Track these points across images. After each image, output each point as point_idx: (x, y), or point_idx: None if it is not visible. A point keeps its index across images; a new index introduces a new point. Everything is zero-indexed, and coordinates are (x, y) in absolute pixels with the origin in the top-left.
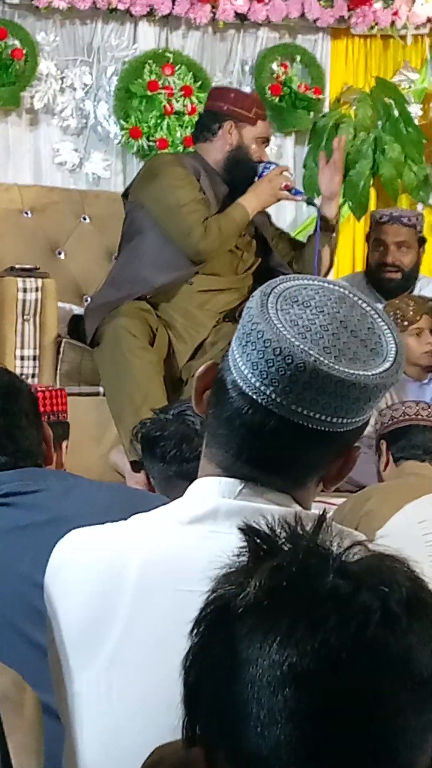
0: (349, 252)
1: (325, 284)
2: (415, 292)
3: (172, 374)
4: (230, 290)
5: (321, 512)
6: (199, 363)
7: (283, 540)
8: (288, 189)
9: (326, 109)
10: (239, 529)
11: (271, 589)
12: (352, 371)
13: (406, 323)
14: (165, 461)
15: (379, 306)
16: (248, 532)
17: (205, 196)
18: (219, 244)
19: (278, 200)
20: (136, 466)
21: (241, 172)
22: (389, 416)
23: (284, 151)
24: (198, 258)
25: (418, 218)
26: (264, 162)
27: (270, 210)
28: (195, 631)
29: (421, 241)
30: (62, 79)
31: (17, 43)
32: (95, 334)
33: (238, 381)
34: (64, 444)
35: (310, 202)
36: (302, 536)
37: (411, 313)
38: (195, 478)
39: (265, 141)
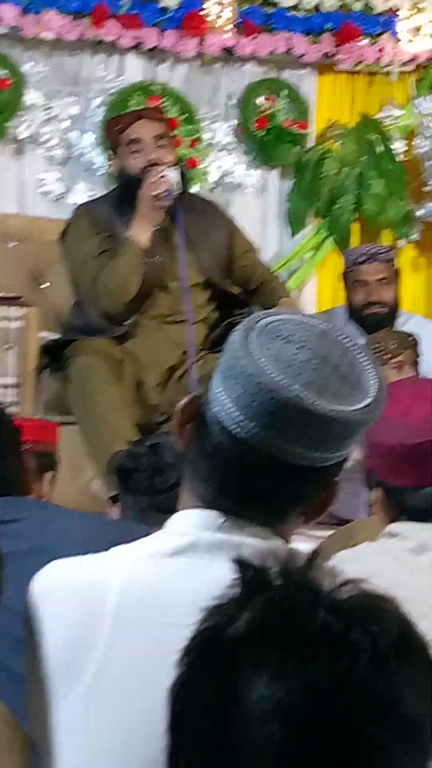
0: (332, 286)
1: (308, 319)
2: (396, 328)
3: (143, 400)
4: (196, 323)
5: (313, 549)
6: (170, 391)
7: (275, 574)
8: (162, 196)
9: (311, 144)
10: (232, 561)
11: (262, 623)
12: (333, 407)
13: (387, 356)
14: (138, 493)
15: (362, 341)
16: (241, 564)
17: (106, 241)
18: (116, 293)
19: (162, 208)
20: (113, 500)
21: (133, 194)
22: None
23: (269, 185)
24: (108, 316)
25: (391, 252)
26: (149, 166)
27: (254, 243)
28: (184, 661)
29: (397, 273)
30: (48, 109)
31: (4, 72)
32: (65, 364)
33: (220, 414)
34: (48, 475)
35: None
36: (294, 571)
37: (393, 346)
38: (168, 510)
39: (136, 143)
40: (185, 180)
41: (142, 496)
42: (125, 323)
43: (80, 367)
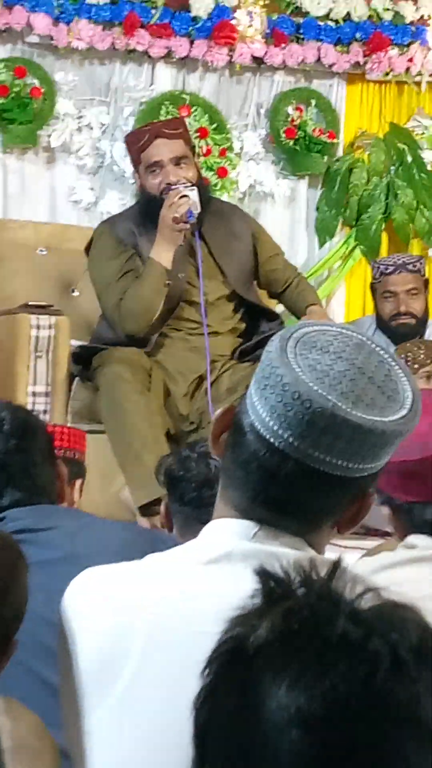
0: (360, 296)
1: (344, 330)
2: (425, 337)
3: (172, 411)
4: (223, 334)
5: (336, 558)
6: (199, 401)
7: (297, 584)
8: (183, 219)
9: (340, 153)
10: (254, 571)
11: (282, 632)
12: (369, 417)
13: (416, 366)
14: (184, 502)
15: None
16: (263, 574)
17: (129, 261)
18: (139, 316)
19: (182, 231)
20: (143, 510)
21: (154, 213)
22: None
23: (297, 194)
24: (131, 337)
25: (420, 262)
26: (168, 186)
27: (282, 250)
28: (207, 671)
29: (426, 283)
30: (80, 118)
31: (36, 81)
32: (92, 376)
33: (256, 424)
34: (78, 482)
35: (191, 221)
36: (316, 581)
37: (422, 356)
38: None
39: (155, 165)
40: (203, 197)
41: (188, 505)
42: (150, 339)
43: (109, 377)
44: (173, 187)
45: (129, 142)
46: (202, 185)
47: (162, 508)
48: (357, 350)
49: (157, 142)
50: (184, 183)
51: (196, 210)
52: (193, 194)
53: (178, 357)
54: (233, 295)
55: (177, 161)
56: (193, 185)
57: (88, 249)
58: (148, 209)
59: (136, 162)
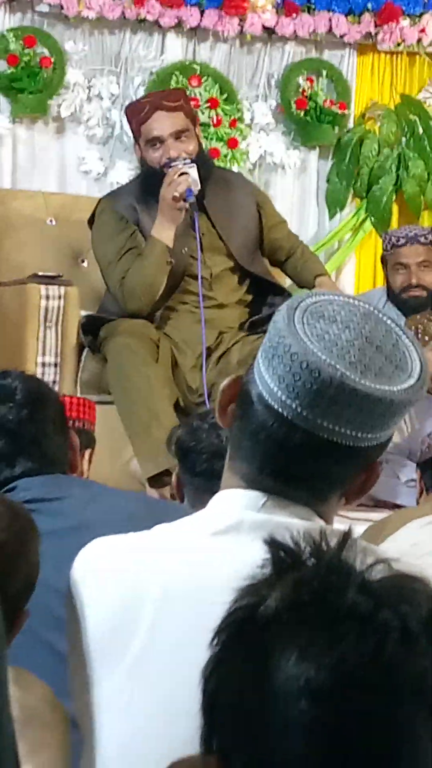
0: (371, 268)
1: (351, 300)
2: None
3: (180, 382)
4: (229, 306)
5: (347, 529)
6: (208, 372)
7: (307, 554)
8: (182, 198)
9: (351, 125)
10: (264, 541)
11: (292, 603)
12: (377, 386)
13: (427, 338)
14: (195, 473)
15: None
16: (272, 544)
17: (131, 238)
18: (142, 295)
19: (181, 209)
20: (152, 482)
21: (155, 188)
22: (427, 444)
23: (308, 165)
24: (135, 315)
25: (431, 234)
26: (169, 161)
27: (293, 224)
28: (216, 641)
29: None
30: (89, 88)
31: (45, 51)
32: (100, 347)
33: (264, 394)
34: (87, 452)
35: (190, 200)
36: (326, 551)
37: None
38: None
39: (155, 140)
40: (204, 171)
41: (199, 477)
42: (155, 314)
43: (117, 348)
44: (172, 164)
45: (129, 114)
46: (203, 158)
47: (173, 478)
48: (364, 320)
49: (156, 116)
50: (184, 159)
51: (196, 187)
52: (193, 171)
53: (184, 329)
54: (237, 267)
55: (177, 135)
56: (192, 162)
57: (90, 222)
58: (149, 183)
59: (136, 134)
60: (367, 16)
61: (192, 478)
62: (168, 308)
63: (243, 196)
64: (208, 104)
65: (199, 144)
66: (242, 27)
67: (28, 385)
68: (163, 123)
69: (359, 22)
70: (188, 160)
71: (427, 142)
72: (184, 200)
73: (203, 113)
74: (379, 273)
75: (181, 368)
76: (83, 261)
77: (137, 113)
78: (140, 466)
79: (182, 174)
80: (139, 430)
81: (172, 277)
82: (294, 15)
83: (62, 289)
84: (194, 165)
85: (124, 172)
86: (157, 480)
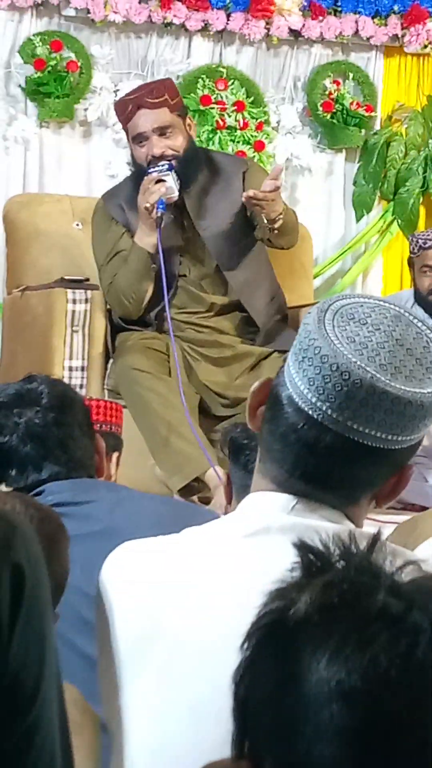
0: (398, 270)
1: (381, 302)
2: None
3: (197, 383)
4: (221, 309)
5: (376, 531)
6: (222, 375)
7: (337, 557)
8: (152, 209)
9: (378, 127)
10: (293, 544)
11: (322, 606)
12: (408, 389)
13: None
14: (248, 471)
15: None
16: (302, 547)
17: (120, 240)
18: (128, 301)
19: (156, 217)
20: (182, 493)
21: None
22: None
23: (335, 168)
24: (125, 320)
25: None
26: (148, 166)
27: (319, 227)
28: (246, 645)
29: None
30: (116, 92)
31: (72, 55)
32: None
33: (294, 396)
34: (114, 456)
35: (160, 211)
36: (355, 554)
37: None
38: None
39: (140, 137)
40: (189, 170)
41: (250, 474)
42: (150, 315)
43: (125, 370)
44: (150, 171)
45: (116, 112)
46: (192, 153)
47: (223, 477)
48: (395, 322)
49: (140, 113)
50: (161, 164)
51: (173, 194)
52: (169, 178)
53: (191, 336)
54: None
55: (161, 131)
56: (170, 167)
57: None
58: (137, 181)
59: (125, 131)
60: (393, 18)
61: (244, 474)
62: (171, 319)
63: (233, 179)
64: (235, 107)
65: (189, 137)
66: (269, 30)
67: (54, 389)
68: (146, 120)
69: (386, 24)
70: (166, 165)
71: None
72: (157, 210)
73: (230, 116)
74: (406, 275)
75: (196, 370)
76: None
77: (123, 111)
78: (167, 481)
79: (159, 181)
80: (159, 445)
81: (161, 281)
82: (320, 17)
83: (89, 293)
84: (170, 172)
85: None
86: (188, 489)
